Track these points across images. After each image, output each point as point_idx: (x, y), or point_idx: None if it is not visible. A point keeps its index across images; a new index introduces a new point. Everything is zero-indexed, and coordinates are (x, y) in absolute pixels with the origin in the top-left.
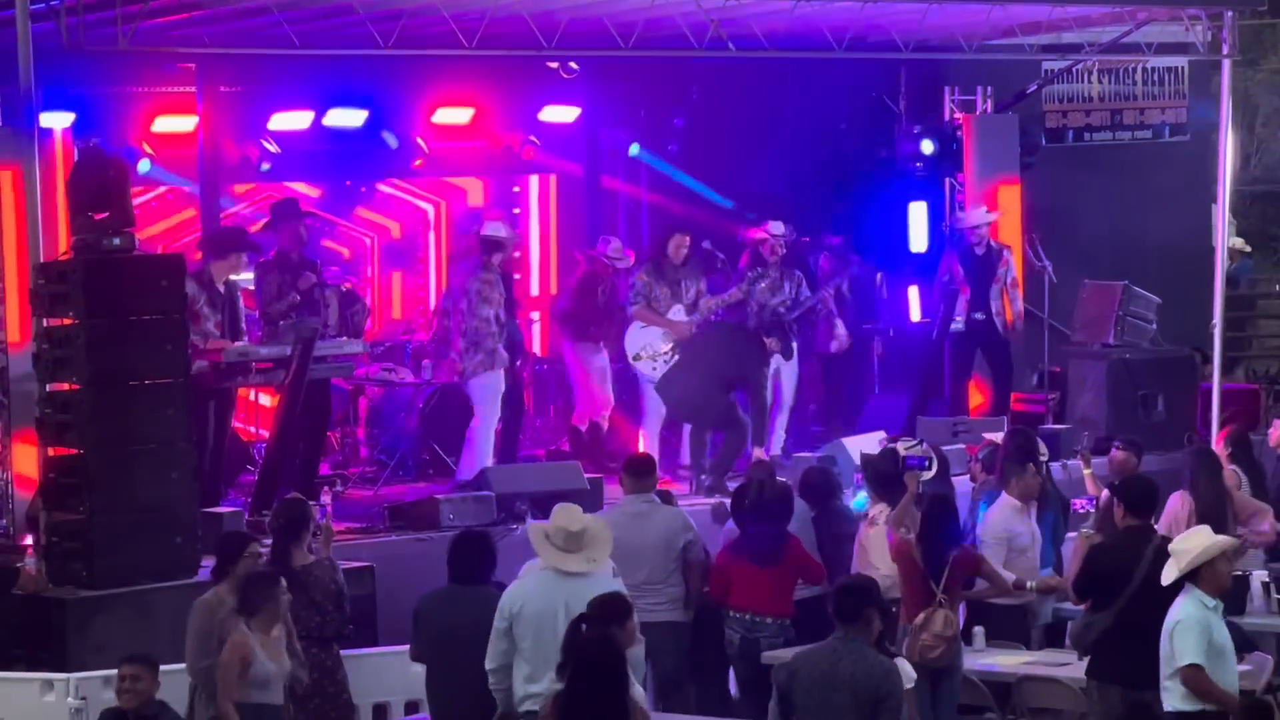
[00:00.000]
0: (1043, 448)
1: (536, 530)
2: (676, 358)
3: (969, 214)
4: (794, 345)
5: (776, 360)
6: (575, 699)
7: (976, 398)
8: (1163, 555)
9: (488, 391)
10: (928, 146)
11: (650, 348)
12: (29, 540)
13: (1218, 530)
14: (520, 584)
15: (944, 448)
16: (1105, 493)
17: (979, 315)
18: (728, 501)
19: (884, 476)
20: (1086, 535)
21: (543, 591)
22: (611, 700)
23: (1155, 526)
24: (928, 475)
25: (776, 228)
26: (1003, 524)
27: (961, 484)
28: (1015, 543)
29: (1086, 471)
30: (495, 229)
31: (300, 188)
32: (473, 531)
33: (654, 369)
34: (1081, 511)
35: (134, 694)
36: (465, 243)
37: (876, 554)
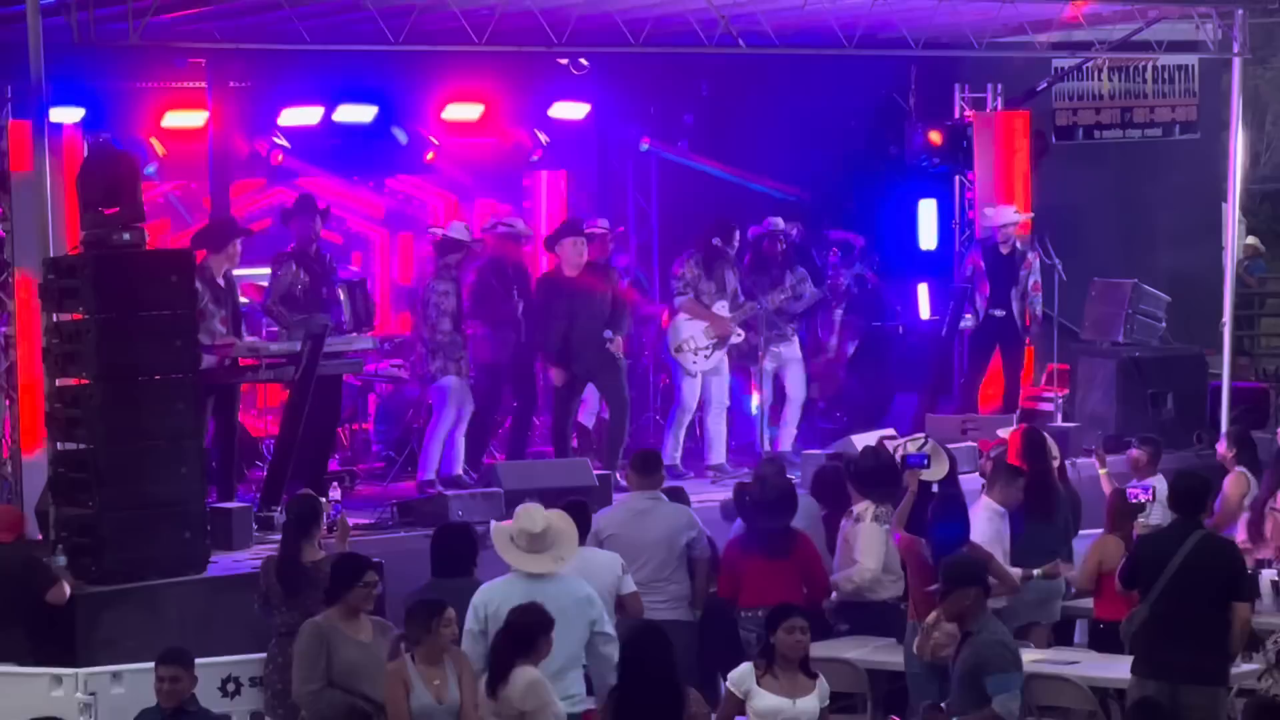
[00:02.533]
0: (1054, 449)
1: (500, 532)
2: (717, 351)
3: (999, 211)
4: (798, 341)
5: (782, 356)
6: (628, 693)
7: (991, 394)
8: (1203, 549)
9: (443, 396)
10: (935, 137)
11: (693, 341)
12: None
13: None
14: (493, 585)
15: (953, 445)
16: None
17: (998, 312)
18: None
19: (865, 473)
20: (1143, 525)
21: (514, 593)
22: (665, 691)
23: (1205, 522)
24: (928, 474)
25: (778, 223)
26: (994, 528)
27: (971, 480)
28: (1003, 546)
29: (1102, 470)
30: (457, 230)
31: (310, 184)
32: (453, 524)
33: (694, 362)
34: (1135, 501)
35: (174, 694)
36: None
37: (860, 548)
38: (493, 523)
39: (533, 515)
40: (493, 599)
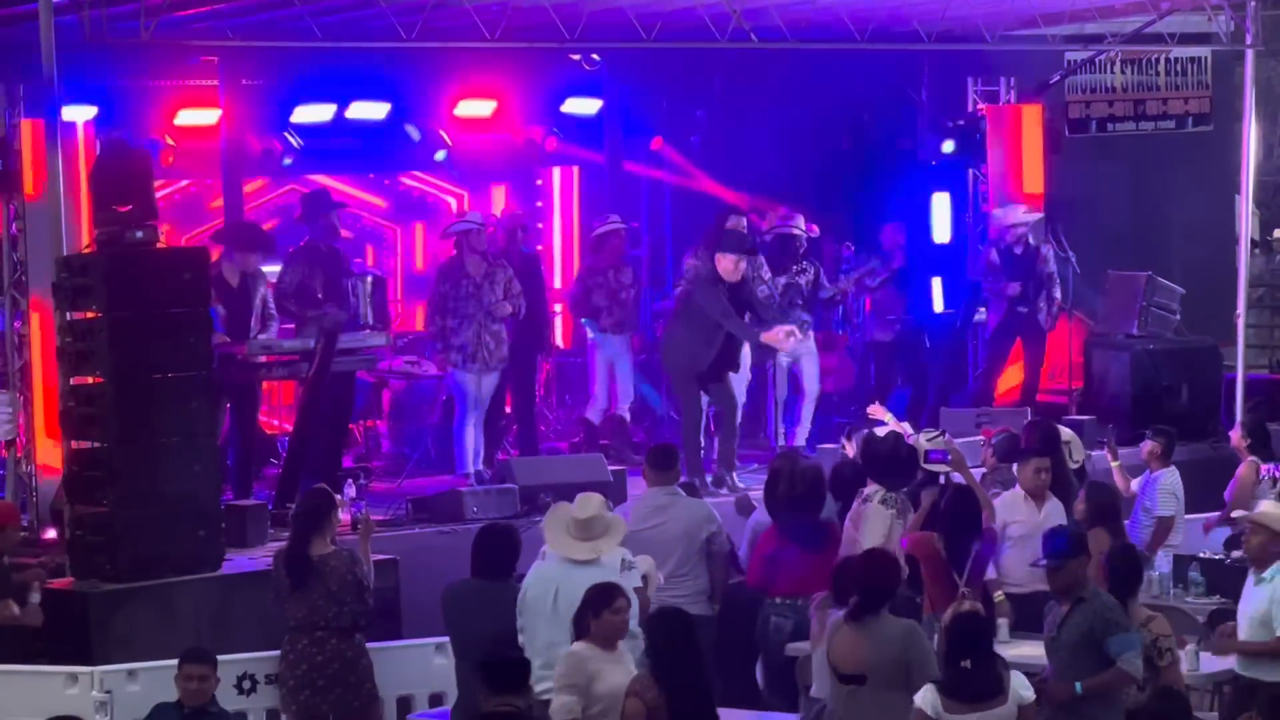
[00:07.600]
0: (1078, 447)
1: (556, 512)
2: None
3: (1007, 212)
4: (811, 334)
5: (797, 350)
6: (659, 677)
7: (1011, 382)
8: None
9: (456, 389)
10: (948, 146)
11: None
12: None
13: None
14: (531, 569)
15: (966, 439)
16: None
17: (1022, 309)
18: (752, 494)
19: (880, 459)
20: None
21: (541, 577)
22: (693, 671)
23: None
24: (946, 469)
25: (798, 221)
26: (1002, 513)
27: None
28: (1009, 531)
29: (1114, 464)
30: (461, 225)
31: (322, 180)
32: (498, 525)
33: None
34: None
35: (201, 693)
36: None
37: (864, 529)
38: (555, 503)
39: (587, 503)
40: (526, 583)
